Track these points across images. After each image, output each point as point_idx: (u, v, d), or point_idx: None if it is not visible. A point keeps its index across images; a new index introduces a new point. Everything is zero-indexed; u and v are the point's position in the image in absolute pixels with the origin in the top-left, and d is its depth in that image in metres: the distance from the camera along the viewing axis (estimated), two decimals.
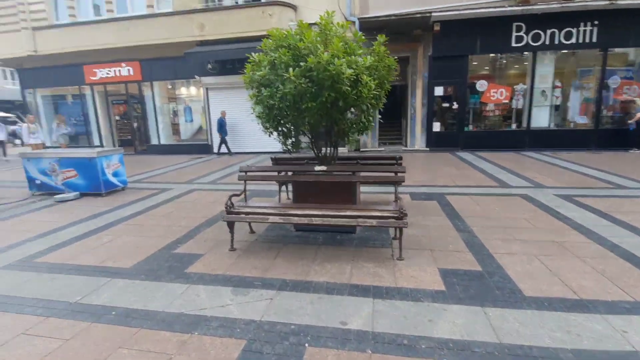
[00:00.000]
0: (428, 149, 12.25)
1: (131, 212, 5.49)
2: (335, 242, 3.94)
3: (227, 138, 12.67)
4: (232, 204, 3.77)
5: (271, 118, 3.87)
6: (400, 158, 5.01)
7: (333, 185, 4.04)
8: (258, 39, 12.17)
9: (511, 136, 11.61)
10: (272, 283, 3.01)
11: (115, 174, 6.82)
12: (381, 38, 4.05)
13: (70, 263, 3.56)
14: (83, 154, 6.46)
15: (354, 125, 3.97)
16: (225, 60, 12.33)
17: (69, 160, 6.53)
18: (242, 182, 4.18)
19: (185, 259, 3.59)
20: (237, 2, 12.71)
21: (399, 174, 4.26)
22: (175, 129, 14.68)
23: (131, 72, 13.42)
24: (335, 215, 3.47)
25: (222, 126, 12.42)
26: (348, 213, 3.49)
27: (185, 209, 5.60)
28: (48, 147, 12.57)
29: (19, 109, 20.45)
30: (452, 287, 2.83)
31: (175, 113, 14.65)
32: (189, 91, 14.19)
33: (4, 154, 13.34)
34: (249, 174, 4.18)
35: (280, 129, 3.98)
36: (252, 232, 4.30)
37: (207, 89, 13.09)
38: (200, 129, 14.31)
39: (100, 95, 14.51)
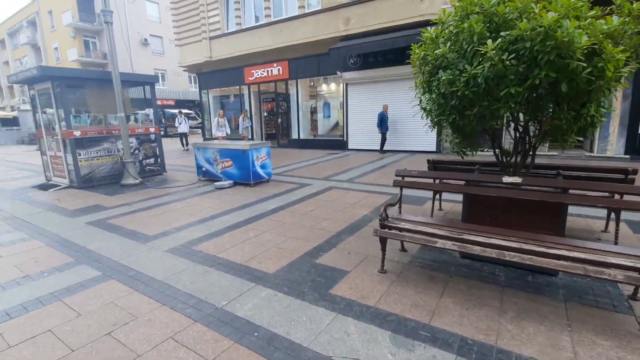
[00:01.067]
0: (628, 156, 9.02)
1: (274, 205, 5.47)
2: (526, 285, 2.79)
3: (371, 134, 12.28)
4: (386, 215, 3.07)
5: (447, 110, 2.97)
6: (635, 172, 3.35)
7: (529, 205, 2.88)
8: (405, 27, 11.40)
9: None
10: (445, 340, 2.16)
11: (262, 166, 7.12)
12: None
13: (221, 257, 3.53)
14: (238, 146, 6.92)
15: (579, 121, 2.68)
16: (367, 54, 11.89)
17: (227, 151, 7.12)
18: (397, 187, 3.42)
19: (328, 273, 3.09)
20: None
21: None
22: (313, 124, 15.22)
23: (280, 72, 14.45)
24: (543, 253, 2.35)
25: (383, 121, 11.64)
26: (566, 253, 2.31)
27: (325, 208, 5.25)
28: (232, 139, 14.71)
29: (197, 106, 25.16)
30: None
31: (314, 109, 15.17)
32: (328, 87, 14.42)
33: (186, 144, 15.75)
34: (406, 179, 3.40)
35: (457, 123, 3.03)
36: (403, 249, 3.53)
37: (346, 84, 12.95)
38: (336, 124, 14.41)
39: (254, 94, 16.23)
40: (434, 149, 11.48)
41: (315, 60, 13.52)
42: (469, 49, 2.75)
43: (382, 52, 11.42)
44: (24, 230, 4.60)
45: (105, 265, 3.41)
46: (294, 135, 14.96)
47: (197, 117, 26.31)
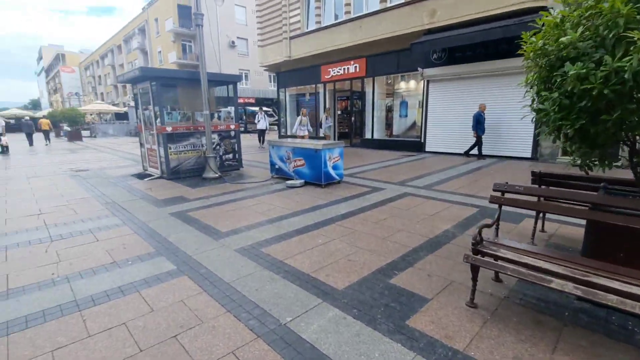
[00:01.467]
0: None
1: (344, 210, 5.20)
2: None
3: (454, 136, 11.31)
4: (481, 239, 2.55)
5: (573, 113, 2.33)
6: None
7: None
8: (499, 17, 10.11)
9: None
10: None
11: (334, 167, 6.91)
12: None
13: (288, 263, 3.37)
14: (311, 145, 6.81)
15: None
16: (453, 48, 10.90)
17: (300, 150, 7.07)
18: (496, 205, 2.85)
19: (404, 299, 2.70)
20: None
21: None
22: (387, 123, 14.60)
23: (357, 69, 14.13)
24: None
25: (479, 122, 10.17)
26: None
27: (400, 217, 4.81)
28: (312, 138, 15.04)
29: (275, 104, 26.22)
30: None
31: (389, 108, 14.53)
32: (407, 85, 13.65)
33: (262, 141, 15.94)
34: (507, 195, 2.81)
35: (586, 130, 2.36)
36: (498, 280, 2.94)
37: (427, 81, 12.07)
38: (413, 124, 13.59)
39: (329, 92, 16.19)
40: (528, 155, 10.03)
41: (394, 57, 12.89)
42: (609, 36, 2.10)
43: (472, 45, 10.32)
44: (119, 216, 5.08)
45: (180, 259, 3.51)
46: (367, 135, 14.53)
47: (274, 114, 27.48)
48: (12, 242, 4.06)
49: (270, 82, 36.44)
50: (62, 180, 8.16)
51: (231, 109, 9.06)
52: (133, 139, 24.97)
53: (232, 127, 8.99)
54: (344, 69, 14.64)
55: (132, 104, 31.48)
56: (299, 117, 12.64)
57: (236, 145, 9.11)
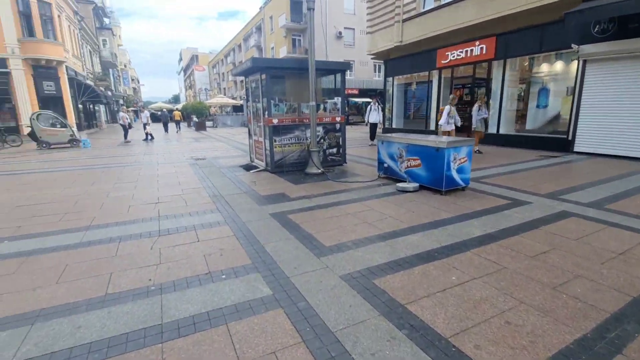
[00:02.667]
0: None
1: (479, 231, 3.96)
2: None
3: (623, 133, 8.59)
4: None
5: None
6: None
7: None
8: None
9: None
10: None
11: (459, 170, 5.60)
12: None
13: (412, 311, 2.43)
14: (431, 142, 5.63)
15: None
16: (627, 16, 8.04)
17: (416, 148, 5.96)
18: None
19: None
20: None
21: None
22: (519, 115, 12.03)
23: (483, 51, 11.94)
24: None
25: None
26: None
27: (570, 252, 3.35)
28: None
29: (379, 95, 25.01)
30: None
31: (519, 97, 11.92)
32: (550, 67, 10.89)
33: (373, 136, 13.31)
34: None
35: None
36: None
37: (584, 61, 9.32)
38: (556, 117, 10.82)
39: (445, 80, 14.26)
40: None
41: (536, 33, 10.36)
42: None
43: None
44: (222, 212, 4.89)
45: (277, 280, 2.91)
46: (492, 129, 12.25)
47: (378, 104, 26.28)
48: (127, 233, 4.14)
49: (375, 71, 35.18)
50: (183, 168, 8.80)
51: (337, 100, 8.41)
52: (245, 129, 27.15)
53: (338, 119, 8.34)
54: (467, 51, 12.57)
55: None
56: (447, 106, 9.75)
57: (341, 139, 8.45)
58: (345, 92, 8.92)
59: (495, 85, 11.98)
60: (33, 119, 14.65)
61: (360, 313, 2.43)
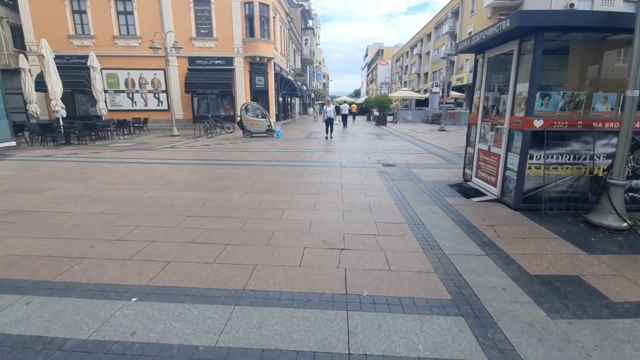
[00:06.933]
0: None
1: None
2: None
3: None
4: None
5: None
6: None
7: None
8: None
9: None
10: None
11: None
12: None
13: None
14: None
15: None
16: None
17: None
18: None
19: None
20: None
21: None
22: None
23: None
24: None
25: None
26: None
27: None
28: None
29: None
30: None
31: None
32: None
33: None
34: None
35: None
36: None
37: None
38: None
39: None
40: None
41: None
42: None
43: None
44: (453, 312, 2.31)
45: None
46: None
47: None
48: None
49: None
50: (370, 177, 6.81)
51: None
52: (429, 126, 23.89)
53: None
54: None
55: (435, 89, 30.76)
56: None
57: None
58: None
59: None
60: (242, 109, 16.30)
61: None
